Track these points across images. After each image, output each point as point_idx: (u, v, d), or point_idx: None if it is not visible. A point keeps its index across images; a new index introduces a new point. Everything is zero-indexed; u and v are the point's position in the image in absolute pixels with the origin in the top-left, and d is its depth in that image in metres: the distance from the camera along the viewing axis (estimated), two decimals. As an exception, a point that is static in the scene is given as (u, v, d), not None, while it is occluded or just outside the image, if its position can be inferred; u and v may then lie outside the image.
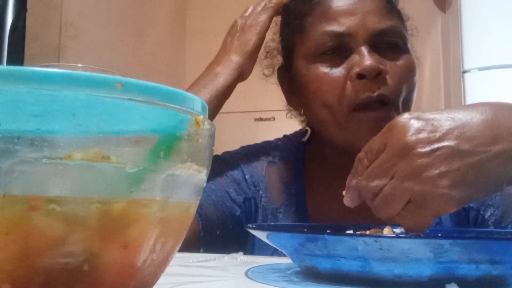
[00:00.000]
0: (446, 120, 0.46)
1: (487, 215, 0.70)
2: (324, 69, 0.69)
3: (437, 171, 0.43)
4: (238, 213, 0.76)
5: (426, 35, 2.24)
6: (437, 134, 0.45)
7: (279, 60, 0.83)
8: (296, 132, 0.86)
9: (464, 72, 2.08)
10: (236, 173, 0.78)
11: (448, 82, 2.26)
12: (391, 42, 0.69)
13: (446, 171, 0.43)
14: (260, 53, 0.84)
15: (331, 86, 0.68)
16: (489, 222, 0.70)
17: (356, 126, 0.67)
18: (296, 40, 0.75)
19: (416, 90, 0.72)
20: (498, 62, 1.99)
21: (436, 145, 0.44)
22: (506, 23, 2.00)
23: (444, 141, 0.44)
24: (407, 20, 0.76)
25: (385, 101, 0.67)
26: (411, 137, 0.45)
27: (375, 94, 0.66)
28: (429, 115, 0.46)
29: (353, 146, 0.67)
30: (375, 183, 0.46)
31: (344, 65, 0.68)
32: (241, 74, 0.78)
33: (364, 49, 0.67)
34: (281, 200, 0.77)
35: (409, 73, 0.69)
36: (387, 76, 0.67)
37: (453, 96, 2.20)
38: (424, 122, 0.46)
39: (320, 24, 0.71)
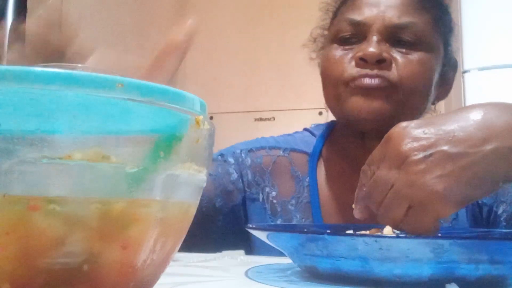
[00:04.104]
0: (438, 125, 0.47)
1: (500, 211, 0.72)
2: (336, 51, 0.73)
3: (431, 176, 0.45)
4: (239, 186, 0.78)
5: (426, 35, 2.23)
6: (430, 141, 0.46)
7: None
8: (317, 125, 0.86)
9: (464, 72, 2.08)
10: (235, 175, 0.78)
11: (448, 82, 2.26)
12: (407, 38, 0.71)
13: (440, 175, 0.45)
14: (308, 38, 0.85)
15: (336, 65, 0.71)
16: (502, 218, 0.72)
17: (349, 94, 0.69)
18: (329, 26, 0.80)
19: (426, 89, 0.71)
20: (498, 62, 1.99)
21: (429, 151, 0.46)
22: (506, 23, 2.00)
23: (437, 146, 0.46)
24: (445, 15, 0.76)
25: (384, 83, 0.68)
26: (405, 146, 0.47)
27: (374, 72, 0.68)
28: (423, 123, 0.48)
29: (349, 118, 0.70)
30: (378, 193, 0.48)
31: (353, 49, 0.71)
32: None
33: (374, 38, 0.70)
34: (292, 193, 0.78)
35: (417, 68, 0.70)
36: (394, 65, 0.69)
37: (453, 96, 2.20)
38: (418, 130, 0.47)
39: (346, 12, 0.74)
